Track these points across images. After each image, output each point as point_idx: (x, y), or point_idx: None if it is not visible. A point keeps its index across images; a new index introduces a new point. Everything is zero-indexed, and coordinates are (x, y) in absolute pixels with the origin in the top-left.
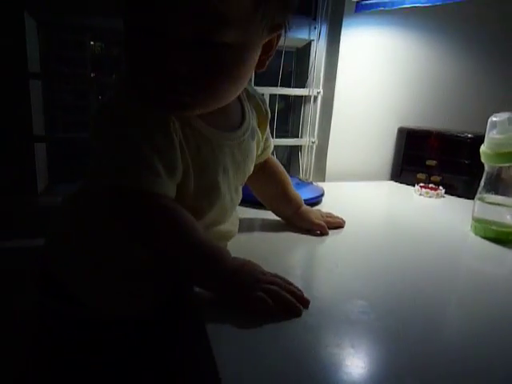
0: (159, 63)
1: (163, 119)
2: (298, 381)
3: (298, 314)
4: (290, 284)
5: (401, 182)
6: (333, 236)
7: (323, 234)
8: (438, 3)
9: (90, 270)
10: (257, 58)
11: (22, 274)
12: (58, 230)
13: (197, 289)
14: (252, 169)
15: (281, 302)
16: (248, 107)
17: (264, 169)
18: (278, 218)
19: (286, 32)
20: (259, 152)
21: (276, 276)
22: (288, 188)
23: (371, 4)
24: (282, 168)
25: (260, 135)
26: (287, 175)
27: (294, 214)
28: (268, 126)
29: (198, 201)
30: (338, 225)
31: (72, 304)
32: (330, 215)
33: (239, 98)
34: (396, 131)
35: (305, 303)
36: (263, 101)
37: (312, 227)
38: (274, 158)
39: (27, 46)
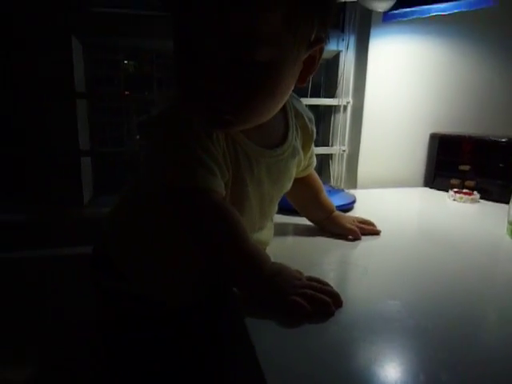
0: (199, 83)
1: (209, 130)
2: (336, 374)
3: (332, 313)
4: (326, 285)
5: (434, 188)
6: (366, 241)
7: (356, 238)
8: (464, 9)
9: (143, 257)
10: (297, 74)
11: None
12: (116, 218)
13: None
14: (290, 186)
15: (316, 303)
16: (293, 126)
17: (299, 177)
18: (311, 224)
19: (326, 44)
20: (301, 169)
21: (311, 279)
22: (320, 193)
23: (398, 14)
24: (315, 175)
25: (302, 155)
26: (320, 181)
27: (327, 219)
28: (313, 145)
29: None
30: (371, 232)
31: (123, 283)
32: (363, 221)
33: (285, 117)
34: (428, 137)
35: (339, 303)
36: (311, 120)
37: (344, 232)
38: (312, 170)
39: (74, 67)
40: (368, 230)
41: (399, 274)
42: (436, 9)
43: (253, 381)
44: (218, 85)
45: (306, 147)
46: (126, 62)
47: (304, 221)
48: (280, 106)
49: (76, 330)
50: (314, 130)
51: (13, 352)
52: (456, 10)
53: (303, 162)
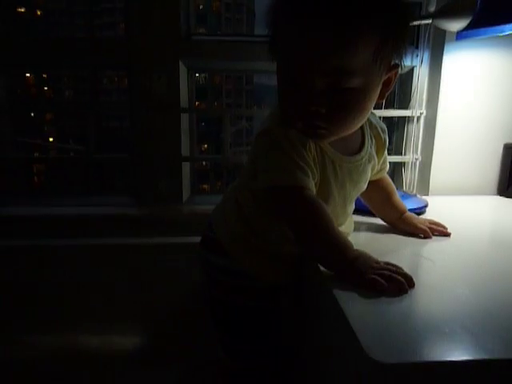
0: (304, 106)
1: (303, 140)
2: (408, 331)
3: (406, 291)
4: (400, 268)
5: (508, 197)
6: (436, 241)
7: (426, 237)
8: None
9: (245, 241)
10: (378, 92)
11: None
12: (224, 209)
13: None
14: (365, 186)
15: (392, 281)
16: (368, 136)
17: (373, 179)
18: (385, 224)
19: (402, 68)
20: (375, 172)
21: (388, 263)
22: (393, 195)
23: (471, 33)
24: (388, 178)
25: (376, 160)
26: (393, 184)
27: (399, 219)
28: (386, 152)
29: None
30: (441, 232)
31: (227, 259)
32: (433, 222)
33: (361, 128)
34: (502, 147)
35: (412, 283)
36: (384, 130)
37: (416, 231)
38: (386, 174)
39: (180, 86)
40: (438, 230)
41: (467, 272)
42: (509, 28)
43: (343, 336)
44: (317, 107)
45: (379, 153)
46: (197, 74)
47: (379, 221)
48: (364, 120)
49: (184, 304)
50: (387, 139)
51: (129, 321)
52: None
53: (377, 166)
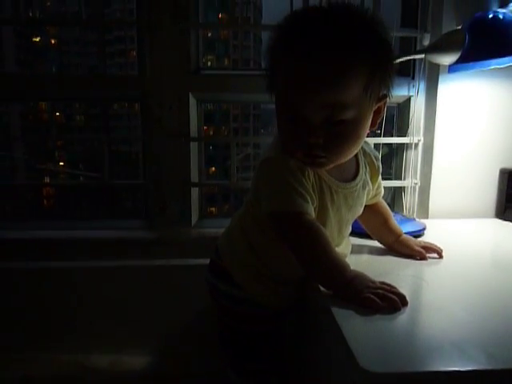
0: (303, 138)
1: (303, 169)
2: (401, 346)
3: (399, 309)
4: (393, 287)
5: (505, 220)
6: (432, 263)
7: (422, 258)
8: None
9: (251, 268)
10: (370, 121)
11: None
12: (230, 236)
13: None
14: (361, 210)
15: (386, 300)
16: (363, 163)
17: (369, 204)
18: (382, 246)
19: (390, 98)
20: (370, 196)
21: (383, 283)
22: (389, 219)
23: (462, 67)
24: (383, 203)
25: (371, 185)
26: (388, 208)
27: (395, 242)
28: (380, 178)
29: None
30: (434, 250)
31: (233, 287)
32: (428, 243)
33: (356, 156)
34: (498, 172)
35: (405, 302)
36: (377, 158)
37: (412, 253)
38: (381, 199)
39: (190, 117)
40: (432, 249)
41: (460, 292)
42: (496, 62)
43: (340, 351)
44: (316, 139)
45: (373, 179)
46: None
47: (376, 243)
48: (359, 147)
49: (194, 325)
50: (380, 166)
51: (139, 341)
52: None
53: (372, 192)
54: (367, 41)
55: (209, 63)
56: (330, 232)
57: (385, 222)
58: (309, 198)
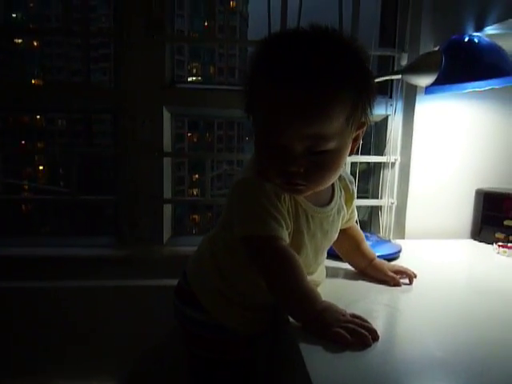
0: (282, 166)
1: (278, 192)
2: None
3: (370, 345)
4: (365, 321)
5: (480, 241)
6: (405, 289)
7: (395, 284)
8: (497, 86)
9: (219, 293)
10: (349, 149)
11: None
12: (199, 261)
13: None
14: (336, 236)
15: (356, 335)
16: (338, 188)
17: (343, 228)
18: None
19: (368, 125)
20: (344, 221)
21: (354, 316)
22: (362, 243)
23: (438, 89)
24: (356, 227)
25: (346, 210)
26: (361, 232)
27: (368, 266)
28: (354, 202)
29: None
30: (407, 275)
31: (202, 313)
32: (402, 268)
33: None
34: (474, 192)
35: (375, 336)
36: (351, 182)
37: (385, 278)
38: (355, 224)
39: (164, 131)
40: (403, 273)
41: (434, 318)
42: (472, 86)
43: None
44: (296, 167)
45: (348, 203)
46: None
47: (349, 266)
48: (338, 175)
49: (165, 347)
50: (355, 190)
51: (104, 365)
52: (488, 87)
53: (346, 216)
54: (351, 69)
55: (194, 70)
56: (305, 259)
57: (358, 246)
58: (283, 223)
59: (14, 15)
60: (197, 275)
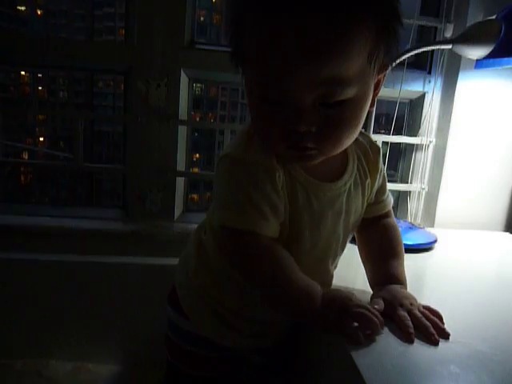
0: (288, 126)
1: (271, 171)
2: None
3: (379, 332)
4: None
5: None
6: (437, 284)
7: (405, 336)
8: None
9: (199, 293)
10: (371, 98)
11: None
12: (185, 253)
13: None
14: (358, 221)
15: (365, 321)
16: (353, 154)
17: (376, 227)
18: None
19: (391, 68)
20: (370, 201)
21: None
22: (393, 256)
23: (492, 62)
24: (392, 225)
25: (369, 186)
26: (398, 237)
27: (383, 290)
28: (381, 176)
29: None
30: (430, 330)
31: (186, 322)
32: (428, 308)
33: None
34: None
35: (382, 324)
36: (375, 150)
37: (397, 324)
38: (393, 222)
39: (180, 97)
40: (431, 322)
41: (469, 317)
42: None
43: None
44: (306, 126)
45: (371, 178)
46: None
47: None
48: (358, 133)
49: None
50: (380, 158)
51: (104, 348)
52: None
53: (370, 196)
54: None
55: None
56: (308, 258)
57: (385, 257)
58: (270, 215)
59: None
60: (181, 271)
